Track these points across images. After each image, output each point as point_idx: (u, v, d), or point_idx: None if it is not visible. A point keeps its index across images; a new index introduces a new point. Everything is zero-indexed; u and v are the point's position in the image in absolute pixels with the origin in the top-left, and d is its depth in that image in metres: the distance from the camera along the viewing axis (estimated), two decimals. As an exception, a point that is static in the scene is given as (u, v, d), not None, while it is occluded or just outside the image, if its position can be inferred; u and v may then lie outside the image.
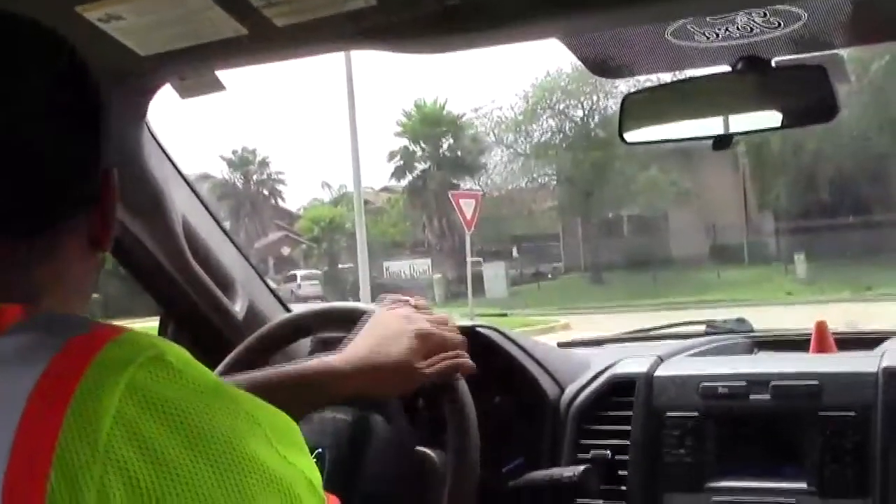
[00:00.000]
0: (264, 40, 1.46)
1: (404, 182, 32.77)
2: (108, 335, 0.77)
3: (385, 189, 34.95)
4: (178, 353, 0.79)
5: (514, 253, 30.44)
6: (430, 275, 27.84)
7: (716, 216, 25.12)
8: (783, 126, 1.62)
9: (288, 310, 2.21)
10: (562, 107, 29.16)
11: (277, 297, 2.28)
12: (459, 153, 31.74)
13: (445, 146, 31.97)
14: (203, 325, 2.08)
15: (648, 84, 1.72)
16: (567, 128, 29.35)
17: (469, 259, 20.68)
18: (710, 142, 1.61)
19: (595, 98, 28.65)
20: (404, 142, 32.47)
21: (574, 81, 28.50)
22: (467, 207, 17.36)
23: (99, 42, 1.43)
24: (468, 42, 1.49)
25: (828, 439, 1.68)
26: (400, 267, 30.49)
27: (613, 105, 28.37)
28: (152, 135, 1.85)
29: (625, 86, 27.57)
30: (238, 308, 2.10)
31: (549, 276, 29.22)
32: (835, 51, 1.60)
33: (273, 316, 2.08)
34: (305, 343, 1.93)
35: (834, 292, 18.49)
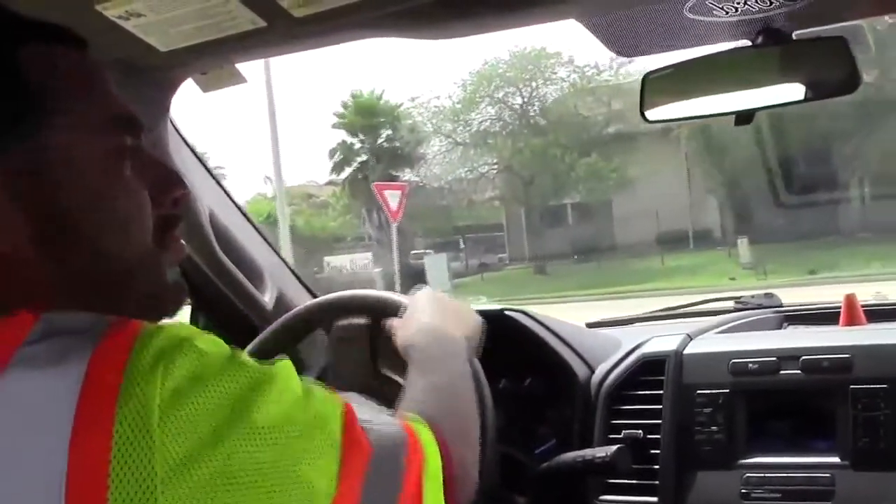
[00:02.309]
0: (283, 32, 1.46)
1: (344, 175, 32.00)
2: (134, 332, 0.78)
3: (330, 183, 33.94)
4: (200, 335, 0.81)
5: (462, 244, 30.08)
6: (371, 269, 27.41)
7: (660, 203, 24.20)
8: (806, 99, 1.61)
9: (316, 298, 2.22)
10: (500, 94, 28.50)
11: (305, 286, 2.29)
12: (398, 144, 30.98)
13: (383, 137, 31.26)
14: (233, 316, 2.10)
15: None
16: (506, 116, 28.74)
17: (395, 252, 20.43)
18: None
19: (534, 85, 28.03)
20: (342, 134, 31.79)
21: (512, 68, 28.02)
22: (392, 198, 17.03)
23: (119, 39, 1.44)
24: (486, 26, 1.49)
25: (860, 412, 1.67)
26: (341, 262, 29.89)
27: (553, 91, 28.08)
28: (176, 129, 1.87)
29: (564, 71, 27.49)
30: (267, 299, 2.12)
31: (495, 267, 28.74)
32: (855, 21, 1.59)
33: (301, 305, 2.09)
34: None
35: (777, 276, 18.12)
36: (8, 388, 0.74)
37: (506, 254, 29.58)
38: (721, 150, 23.32)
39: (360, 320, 1.64)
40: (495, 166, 29.27)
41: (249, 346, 1.76)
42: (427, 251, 26.70)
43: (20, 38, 0.87)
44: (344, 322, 1.67)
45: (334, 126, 31.73)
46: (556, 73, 27.98)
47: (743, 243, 21.64)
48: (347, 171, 31.60)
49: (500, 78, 28.35)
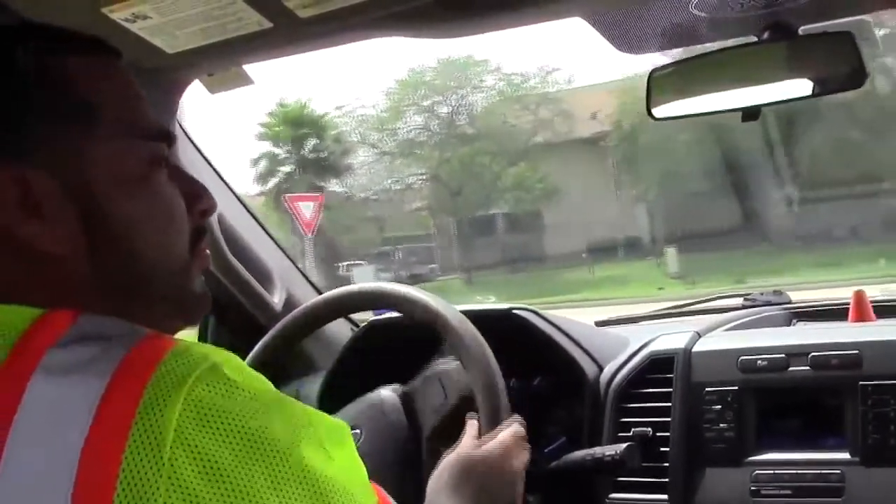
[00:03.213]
0: (289, 32, 1.47)
1: (269, 186, 30.37)
2: (164, 347, 0.78)
3: (262, 193, 32.64)
4: (232, 363, 0.80)
5: (393, 255, 29.30)
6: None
7: (589, 212, 23.77)
8: (813, 94, 1.61)
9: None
10: (427, 103, 27.90)
11: (315, 287, 2.30)
12: (324, 154, 29.81)
13: (310, 147, 29.92)
14: (243, 318, 2.11)
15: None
16: (433, 125, 28.16)
17: (309, 263, 20.25)
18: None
19: (461, 93, 27.53)
20: (267, 144, 30.33)
21: (439, 76, 27.44)
22: (306, 210, 16.67)
23: (126, 41, 1.44)
24: (491, 24, 1.49)
25: (870, 408, 1.66)
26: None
27: (481, 100, 27.62)
28: (184, 131, 1.87)
29: (491, 79, 27.08)
30: (277, 300, 2.12)
31: (426, 277, 27.80)
32: (862, 16, 1.59)
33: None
34: (338, 329, 1.95)
35: (705, 286, 17.67)
36: (33, 392, 0.74)
37: (437, 264, 29.06)
38: (649, 158, 22.88)
39: (466, 391, 1.59)
40: (423, 176, 28.69)
41: (253, 351, 1.77)
42: (359, 262, 26.44)
43: (65, 50, 0.90)
44: (458, 367, 1.63)
45: (260, 137, 30.77)
46: (483, 81, 27.56)
47: (671, 253, 21.33)
48: (272, 181, 30.25)
49: (427, 86, 27.80)
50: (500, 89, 27.41)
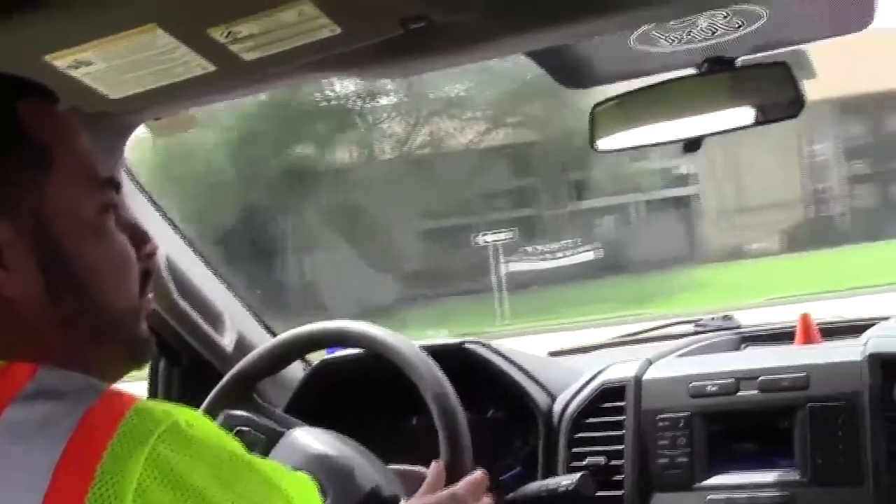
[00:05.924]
0: (233, 76, 1.46)
1: None
2: (125, 405, 0.77)
3: None
4: (194, 421, 0.79)
5: None
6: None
7: None
8: (756, 123, 1.63)
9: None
10: None
11: (266, 327, 2.28)
12: None
13: None
14: (194, 361, 2.09)
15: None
16: None
17: None
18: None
19: None
20: None
21: None
22: None
23: (70, 88, 1.43)
24: (433, 64, 1.50)
25: (818, 429, 1.69)
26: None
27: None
28: (131, 176, 1.86)
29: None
30: (227, 341, 2.10)
31: None
32: (797, 47, 1.62)
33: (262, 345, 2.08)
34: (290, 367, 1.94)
35: None
36: None
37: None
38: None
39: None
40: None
41: (210, 395, 1.75)
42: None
43: (15, 95, 0.90)
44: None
45: None
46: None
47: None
48: None
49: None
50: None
